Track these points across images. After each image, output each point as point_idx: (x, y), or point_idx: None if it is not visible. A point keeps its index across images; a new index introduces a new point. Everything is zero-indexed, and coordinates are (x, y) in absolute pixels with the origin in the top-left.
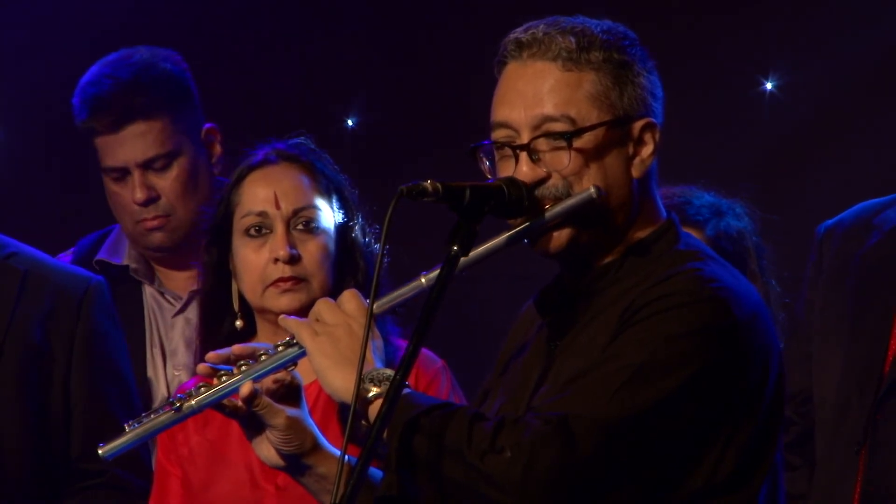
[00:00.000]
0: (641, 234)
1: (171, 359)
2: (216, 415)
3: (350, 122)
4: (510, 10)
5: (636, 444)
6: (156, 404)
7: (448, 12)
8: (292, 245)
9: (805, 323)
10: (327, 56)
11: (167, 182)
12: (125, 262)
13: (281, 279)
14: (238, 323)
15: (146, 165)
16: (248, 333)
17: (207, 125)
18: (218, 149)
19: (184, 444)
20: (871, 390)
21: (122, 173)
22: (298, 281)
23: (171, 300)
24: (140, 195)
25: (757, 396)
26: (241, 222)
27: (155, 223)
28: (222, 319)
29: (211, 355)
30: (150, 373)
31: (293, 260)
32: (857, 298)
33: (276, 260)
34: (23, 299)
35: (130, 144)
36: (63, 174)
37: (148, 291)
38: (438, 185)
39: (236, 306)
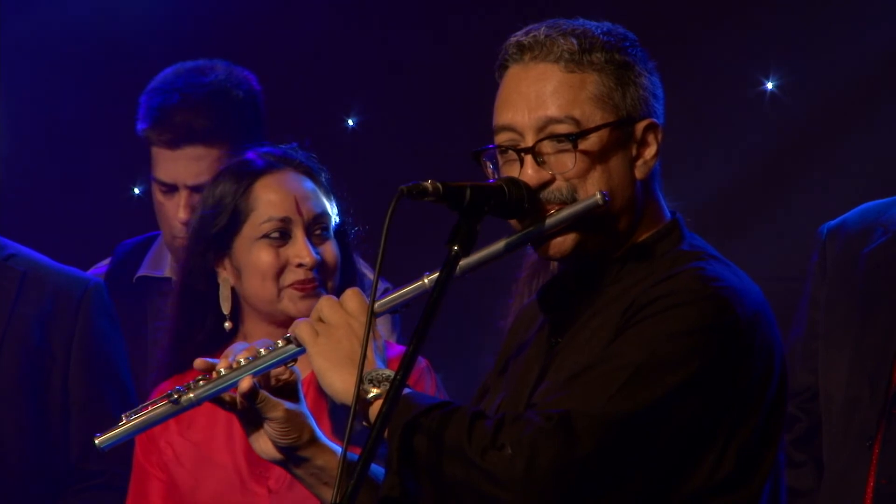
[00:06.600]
0: (645, 234)
1: None
2: (200, 417)
3: (350, 122)
4: (511, 10)
5: (637, 441)
6: None
7: (448, 12)
8: (315, 250)
9: (809, 321)
10: (327, 56)
11: None
12: (167, 274)
13: (304, 282)
14: (227, 324)
15: (195, 188)
16: (232, 336)
17: None
18: None
19: (167, 446)
20: (882, 386)
21: (171, 188)
22: (318, 285)
23: None
24: (184, 216)
25: (759, 395)
26: (258, 228)
27: None
28: (203, 323)
29: (223, 363)
30: None
31: (318, 265)
32: (864, 296)
33: (300, 265)
34: (22, 300)
35: (184, 165)
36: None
37: None
38: (439, 185)
39: (226, 310)
